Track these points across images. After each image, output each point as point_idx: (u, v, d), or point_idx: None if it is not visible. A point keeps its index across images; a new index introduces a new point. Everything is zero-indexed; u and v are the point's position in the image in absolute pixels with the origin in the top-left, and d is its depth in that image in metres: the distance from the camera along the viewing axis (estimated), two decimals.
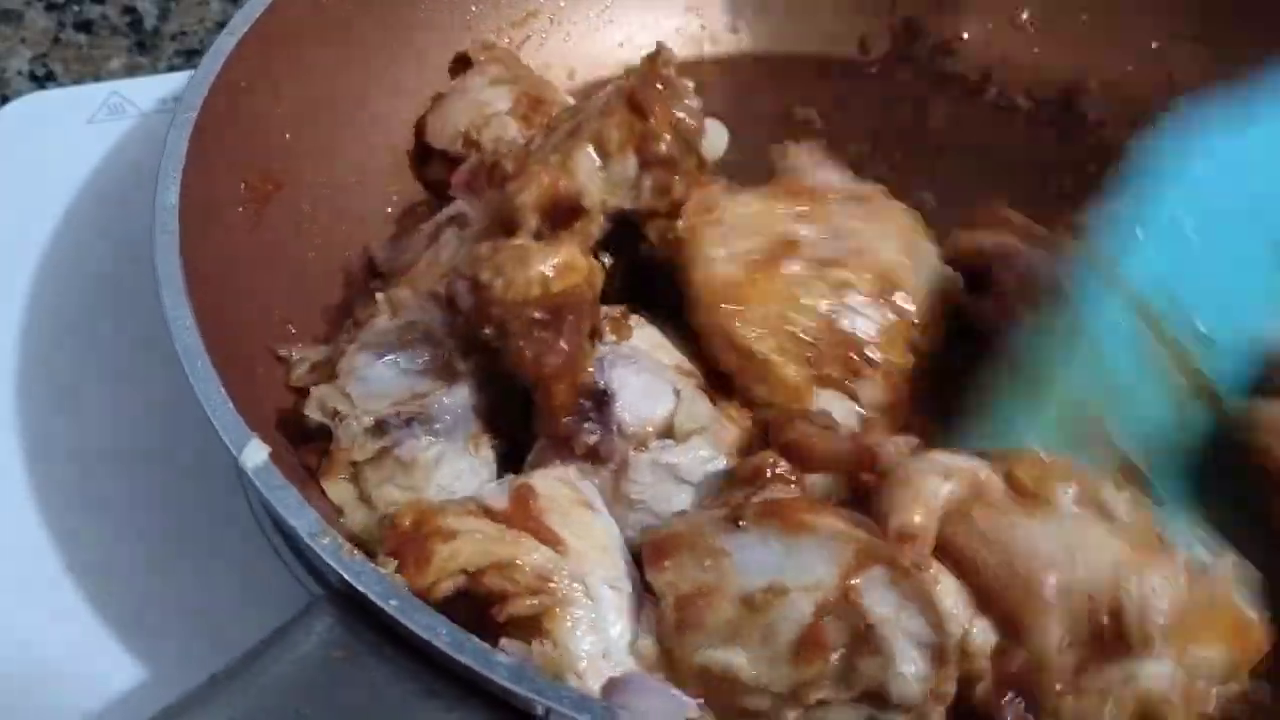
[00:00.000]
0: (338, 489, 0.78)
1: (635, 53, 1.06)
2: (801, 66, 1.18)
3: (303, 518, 0.67)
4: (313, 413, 0.79)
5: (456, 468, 0.79)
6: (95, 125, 1.14)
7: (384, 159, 1.03)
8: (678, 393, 0.79)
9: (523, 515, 0.71)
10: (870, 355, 0.82)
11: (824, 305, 0.82)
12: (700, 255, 0.83)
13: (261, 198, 0.90)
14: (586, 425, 0.76)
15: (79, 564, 0.84)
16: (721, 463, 0.78)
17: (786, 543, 0.68)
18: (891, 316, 0.83)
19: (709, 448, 0.78)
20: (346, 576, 0.65)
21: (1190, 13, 1.10)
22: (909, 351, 0.84)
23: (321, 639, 0.64)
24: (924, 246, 0.88)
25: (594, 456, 0.76)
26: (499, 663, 0.62)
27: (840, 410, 0.81)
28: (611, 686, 0.66)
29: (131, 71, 1.31)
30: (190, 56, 1.32)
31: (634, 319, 0.84)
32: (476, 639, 0.63)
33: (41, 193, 1.08)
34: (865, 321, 0.83)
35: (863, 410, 0.82)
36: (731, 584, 0.68)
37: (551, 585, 0.68)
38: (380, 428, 0.77)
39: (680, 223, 0.83)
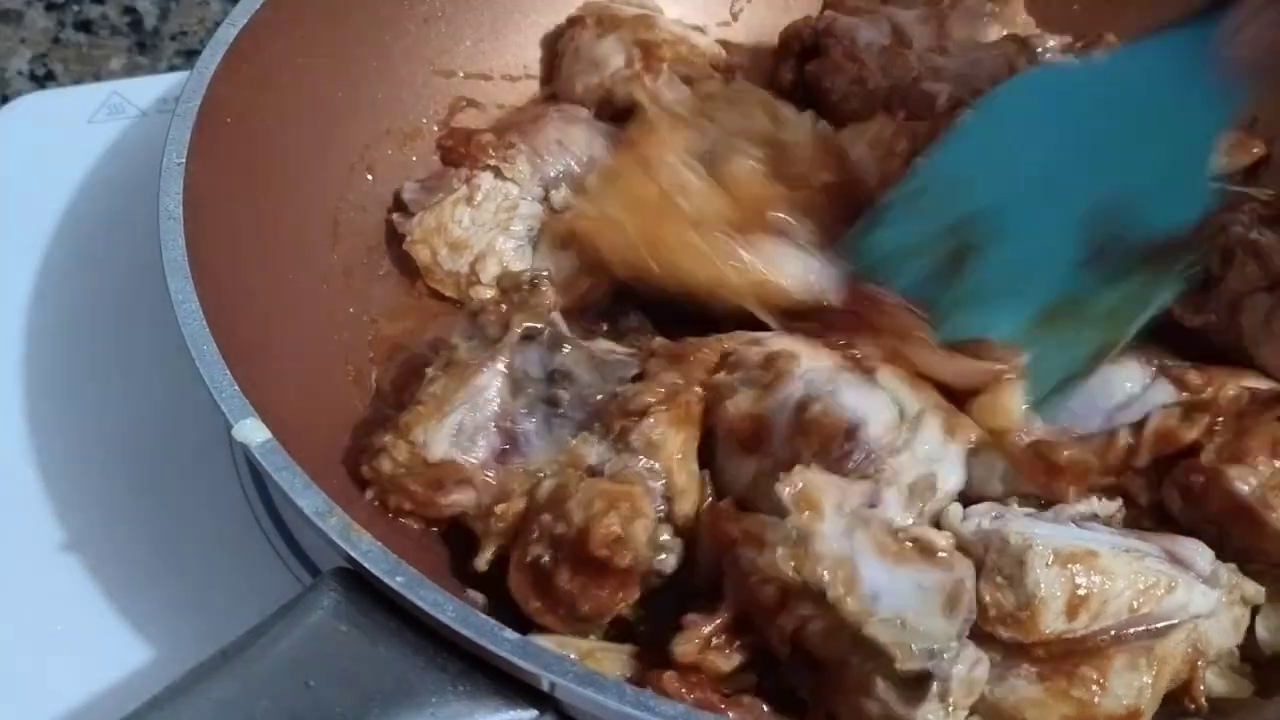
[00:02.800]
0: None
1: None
2: None
3: (309, 498, 0.68)
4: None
5: None
6: (95, 125, 1.14)
7: (385, 145, 1.03)
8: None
9: None
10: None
11: (722, 206, 0.89)
12: (591, 238, 0.92)
13: (265, 185, 0.90)
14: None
15: (80, 548, 0.85)
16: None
17: None
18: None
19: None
20: (355, 555, 0.65)
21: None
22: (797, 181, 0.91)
23: (328, 613, 0.65)
24: (782, 107, 0.96)
25: None
26: (505, 638, 0.62)
27: (798, 259, 0.87)
28: None
29: (131, 71, 1.32)
30: (190, 56, 1.33)
31: None
32: (481, 614, 0.63)
33: (42, 193, 1.09)
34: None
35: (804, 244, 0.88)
36: None
37: None
38: None
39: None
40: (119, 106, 1.16)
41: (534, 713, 0.64)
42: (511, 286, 0.86)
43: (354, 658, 0.63)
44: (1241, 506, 0.75)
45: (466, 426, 0.79)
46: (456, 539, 0.81)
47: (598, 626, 0.75)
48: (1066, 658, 0.70)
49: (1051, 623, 0.69)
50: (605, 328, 0.93)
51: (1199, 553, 0.73)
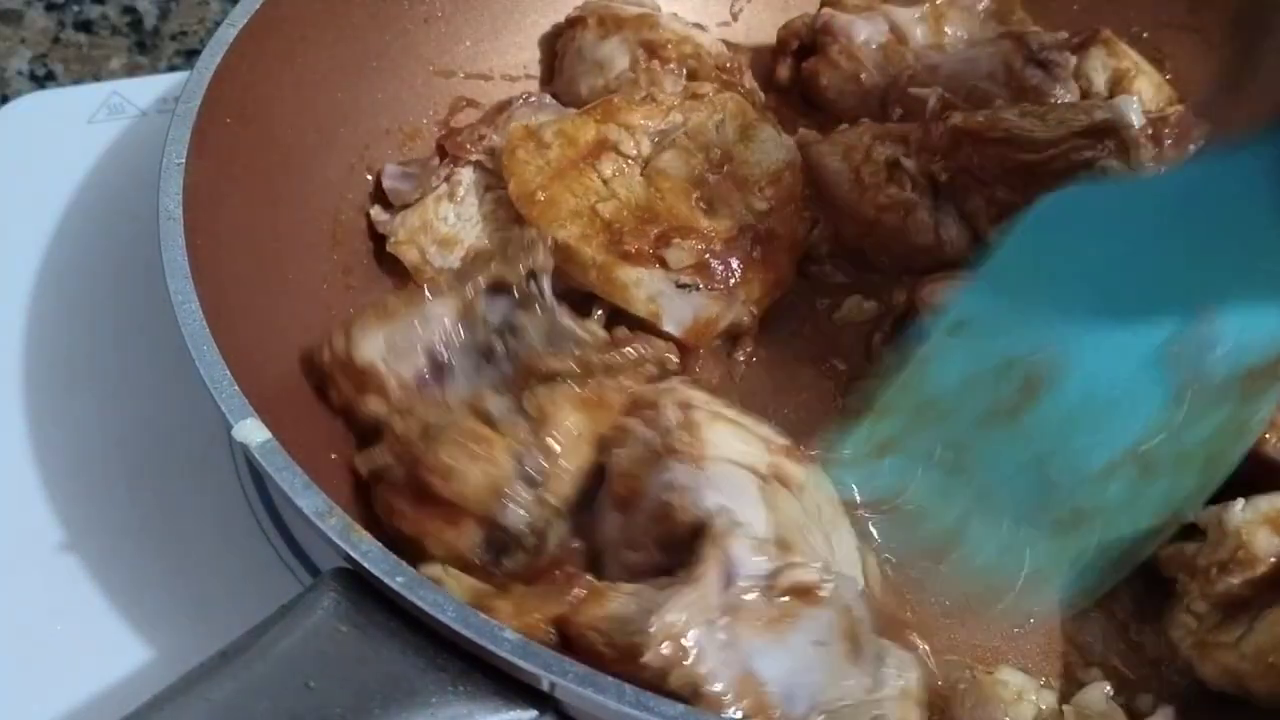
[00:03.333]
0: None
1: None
2: None
3: (309, 498, 0.67)
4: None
5: None
6: (95, 125, 1.14)
7: (385, 145, 1.04)
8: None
9: None
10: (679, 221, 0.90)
11: (636, 190, 0.90)
12: (513, 170, 0.93)
13: (265, 185, 0.90)
14: None
15: (80, 548, 0.85)
16: None
17: None
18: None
19: None
20: (355, 555, 0.65)
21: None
22: (737, 214, 0.91)
23: (328, 613, 0.65)
24: (763, 129, 0.95)
25: None
26: (505, 638, 0.62)
27: (653, 282, 0.88)
28: None
29: (131, 71, 1.32)
30: (190, 56, 1.33)
31: None
32: (481, 615, 0.63)
33: (42, 193, 1.09)
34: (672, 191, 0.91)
35: (676, 276, 0.89)
36: None
37: None
38: None
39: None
40: (119, 106, 1.16)
41: (534, 713, 0.64)
42: (511, 239, 0.89)
43: (354, 658, 0.63)
44: None
45: (400, 343, 0.83)
46: None
47: (432, 555, 0.76)
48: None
49: (1266, 544, 0.71)
50: (600, 315, 0.92)
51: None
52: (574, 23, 1.11)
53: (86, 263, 1.04)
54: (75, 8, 1.35)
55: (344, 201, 0.99)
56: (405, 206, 0.98)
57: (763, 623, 0.67)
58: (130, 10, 1.36)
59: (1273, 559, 0.73)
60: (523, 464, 0.77)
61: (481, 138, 0.99)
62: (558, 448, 0.78)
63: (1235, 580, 0.73)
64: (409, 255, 0.96)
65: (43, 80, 1.32)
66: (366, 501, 0.80)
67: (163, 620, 0.81)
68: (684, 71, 1.04)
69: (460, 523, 0.76)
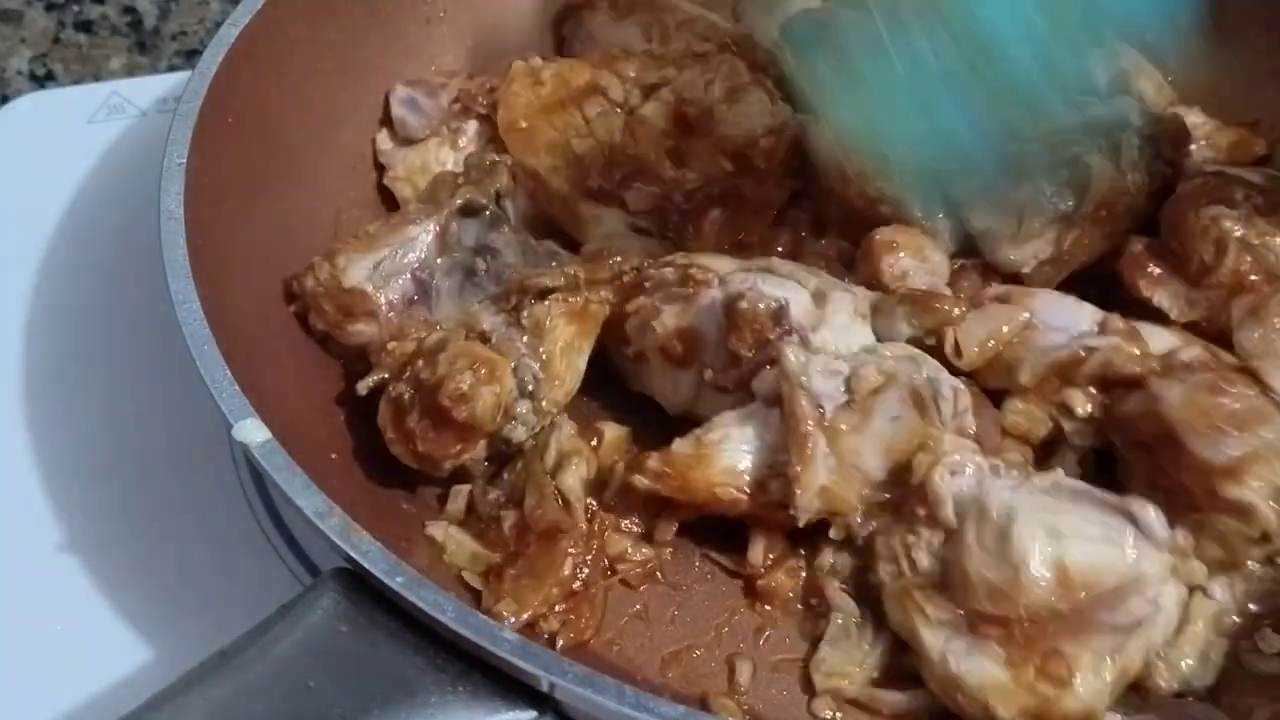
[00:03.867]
0: None
1: None
2: None
3: (309, 498, 0.68)
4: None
5: None
6: (95, 125, 1.15)
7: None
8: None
9: None
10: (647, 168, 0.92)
11: (613, 133, 0.93)
12: (505, 101, 0.96)
13: (266, 185, 0.90)
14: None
15: (79, 548, 0.85)
16: None
17: None
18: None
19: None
20: (355, 555, 0.65)
21: None
22: (704, 170, 0.92)
23: (327, 614, 0.65)
24: (753, 93, 0.95)
25: None
26: (504, 638, 0.62)
27: (610, 220, 0.92)
28: None
29: (131, 71, 1.32)
30: (190, 56, 1.33)
31: None
32: (481, 615, 0.64)
33: (42, 193, 1.09)
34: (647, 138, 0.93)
35: (633, 219, 0.92)
36: None
37: None
38: None
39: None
40: (119, 106, 1.16)
41: (533, 713, 0.64)
42: (475, 165, 0.92)
43: (354, 658, 0.63)
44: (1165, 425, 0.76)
45: (386, 267, 0.87)
46: None
47: (440, 469, 0.81)
48: (1039, 640, 0.70)
49: (1037, 595, 0.69)
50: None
51: (1153, 513, 0.73)
52: (581, 6, 1.11)
53: (87, 263, 1.04)
54: (75, 8, 1.35)
55: (345, 201, 0.99)
56: (409, 143, 1.00)
57: (850, 428, 0.77)
58: (130, 10, 1.36)
59: None
60: (521, 378, 0.80)
61: (492, 90, 1.00)
62: (557, 366, 0.82)
63: None
64: (403, 191, 1.00)
65: (43, 80, 1.32)
66: (367, 501, 0.80)
67: (162, 620, 0.81)
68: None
69: (471, 439, 0.80)
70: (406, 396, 0.80)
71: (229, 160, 0.87)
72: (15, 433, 0.92)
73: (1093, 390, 0.81)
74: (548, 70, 0.97)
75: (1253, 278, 0.85)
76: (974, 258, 0.94)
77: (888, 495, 0.77)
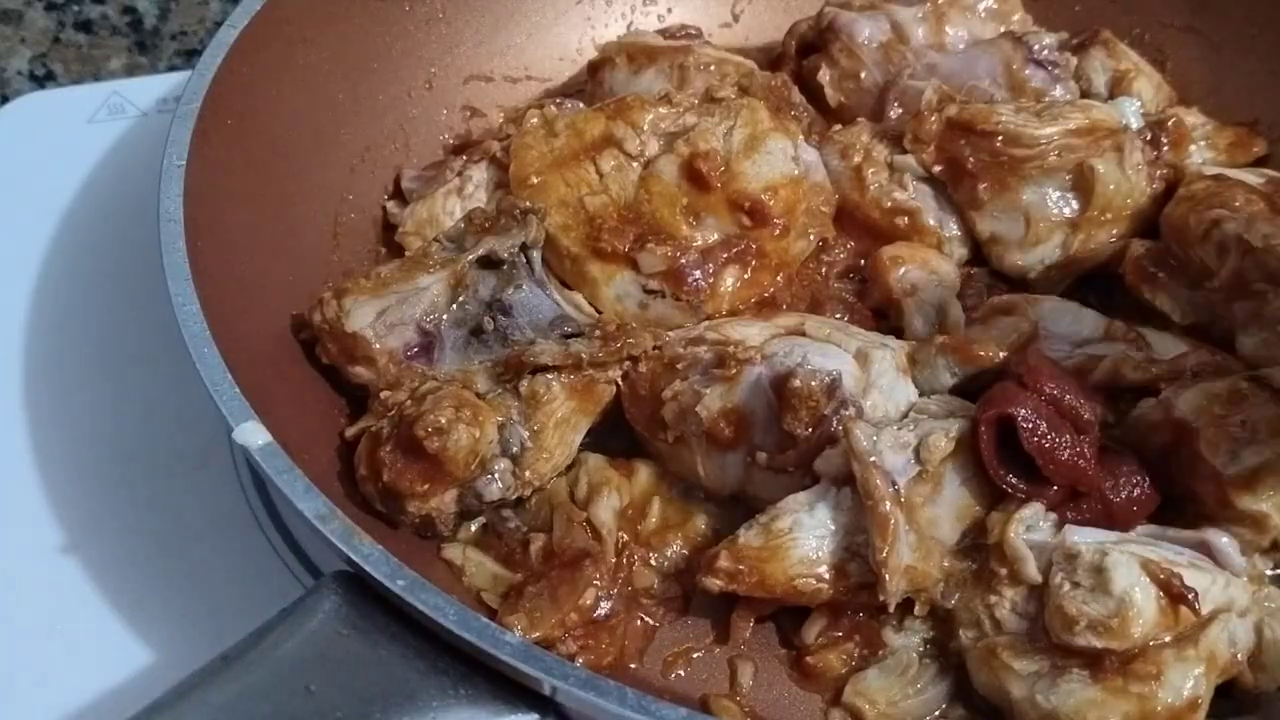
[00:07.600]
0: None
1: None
2: None
3: (310, 501, 0.67)
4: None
5: None
6: (95, 125, 1.15)
7: (386, 146, 1.04)
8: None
9: None
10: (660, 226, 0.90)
11: (627, 189, 0.91)
12: (517, 153, 0.94)
13: (266, 187, 0.90)
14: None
15: (80, 551, 0.85)
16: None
17: None
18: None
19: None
20: (356, 559, 0.65)
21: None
22: (722, 227, 0.91)
23: (329, 617, 0.65)
24: (774, 141, 0.93)
25: None
26: (506, 641, 0.62)
27: (621, 283, 0.89)
28: None
29: (131, 71, 1.32)
30: (190, 56, 1.33)
31: None
32: (483, 618, 0.63)
33: (41, 193, 1.09)
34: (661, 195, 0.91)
35: (645, 280, 0.89)
36: None
37: None
38: None
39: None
40: (119, 106, 1.16)
41: (535, 716, 0.64)
42: (506, 210, 0.88)
43: (355, 661, 0.63)
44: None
45: (391, 315, 0.84)
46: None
47: (403, 509, 0.78)
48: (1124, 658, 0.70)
49: (1142, 628, 0.69)
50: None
51: (1232, 547, 0.74)
52: (598, 66, 1.08)
53: (86, 263, 1.04)
54: (75, 8, 1.35)
55: (345, 203, 0.99)
56: (419, 200, 0.98)
57: (924, 500, 0.75)
58: (130, 10, 1.35)
59: None
60: (507, 438, 0.79)
61: (507, 136, 0.99)
62: (548, 439, 0.80)
63: None
64: (412, 246, 0.97)
65: (43, 80, 1.32)
66: (367, 502, 0.80)
67: (163, 623, 0.81)
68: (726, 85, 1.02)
69: (439, 481, 0.78)
70: (385, 430, 0.78)
71: (229, 161, 0.87)
72: (15, 433, 0.92)
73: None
74: (561, 120, 0.95)
75: (1254, 281, 0.85)
76: (981, 265, 0.95)
77: (969, 563, 0.75)
